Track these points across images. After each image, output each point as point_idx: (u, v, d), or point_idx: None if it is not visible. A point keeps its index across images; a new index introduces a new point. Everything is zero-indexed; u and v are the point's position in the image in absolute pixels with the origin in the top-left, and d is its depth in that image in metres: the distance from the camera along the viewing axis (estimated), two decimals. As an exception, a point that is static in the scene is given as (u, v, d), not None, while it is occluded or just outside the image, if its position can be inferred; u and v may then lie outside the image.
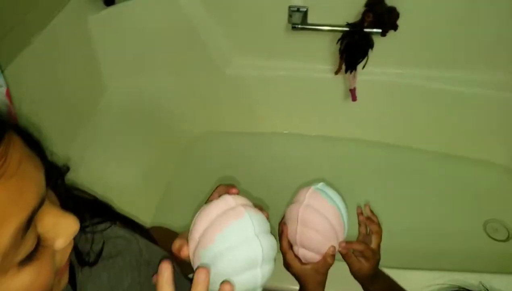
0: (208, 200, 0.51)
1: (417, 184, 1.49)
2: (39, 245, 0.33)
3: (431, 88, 1.45)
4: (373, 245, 0.70)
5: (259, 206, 0.49)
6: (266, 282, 0.43)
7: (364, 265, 0.69)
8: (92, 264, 0.47)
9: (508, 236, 1.35)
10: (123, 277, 0.50)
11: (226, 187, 0.52)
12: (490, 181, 1.49)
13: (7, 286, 0.31)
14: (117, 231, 0.54)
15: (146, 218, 1.34)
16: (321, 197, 0.63)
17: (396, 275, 0.82)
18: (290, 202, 0.66)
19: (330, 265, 0.65)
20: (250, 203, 0.46)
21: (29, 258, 0.32)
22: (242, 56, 1.53)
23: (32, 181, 0.32)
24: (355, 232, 0.74)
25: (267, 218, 0.46)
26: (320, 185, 0.65)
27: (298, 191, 0.66)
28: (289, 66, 1.52)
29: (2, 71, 0.78)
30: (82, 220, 0.46)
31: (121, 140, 1.36)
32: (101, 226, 0.52)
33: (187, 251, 0.46)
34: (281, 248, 0.67)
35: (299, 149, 1.63)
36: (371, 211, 0.75)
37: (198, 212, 0.45)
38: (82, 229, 0.46)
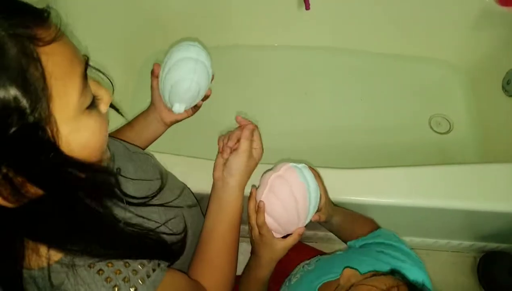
0: None
1: (366, 85, 1.56)
2: (94, 101, 0.44)
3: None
4: (322, 202, 0.74)
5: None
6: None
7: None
8: None
9: (450, 129, 1.48)
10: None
11: None
12: (434, 77, 1.57)
13: (85, 122, 0.41)
14: None
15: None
16: (296, 174, 0.67)
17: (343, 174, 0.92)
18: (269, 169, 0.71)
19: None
20: None
21: (93, 105, 0.42)
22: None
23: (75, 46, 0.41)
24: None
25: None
26: (301, 165, 0.70)
27: (278, 164, 0.70)
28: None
29: None
30: None
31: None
32: None
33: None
34: (248, 211, 0.70)
35: (254, 59, 1.63)
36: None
37: None
38: None
